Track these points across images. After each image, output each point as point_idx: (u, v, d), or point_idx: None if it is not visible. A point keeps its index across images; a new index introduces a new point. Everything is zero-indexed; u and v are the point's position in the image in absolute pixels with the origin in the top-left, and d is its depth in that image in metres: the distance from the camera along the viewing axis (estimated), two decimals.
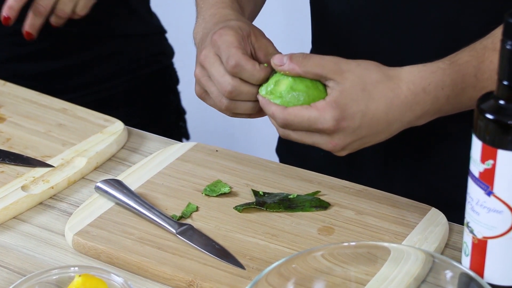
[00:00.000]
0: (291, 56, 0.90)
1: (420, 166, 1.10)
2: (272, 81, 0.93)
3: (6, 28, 1.32)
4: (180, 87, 1.61)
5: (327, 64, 0.89)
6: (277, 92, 0.92)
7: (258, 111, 0.95)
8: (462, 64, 0.89)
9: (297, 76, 0.91)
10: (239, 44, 0.93)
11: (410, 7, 1.01)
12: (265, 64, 0.94)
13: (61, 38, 1.41)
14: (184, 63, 1.67)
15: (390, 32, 1.03)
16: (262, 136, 1.82)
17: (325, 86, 0.91)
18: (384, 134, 0.90)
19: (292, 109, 0.89)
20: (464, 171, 0.95)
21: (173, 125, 1.56)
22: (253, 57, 0.95)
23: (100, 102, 1.39)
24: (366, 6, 1.04)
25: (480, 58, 0.90)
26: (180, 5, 2.18)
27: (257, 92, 0.94)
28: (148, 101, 1.51)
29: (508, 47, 0.77)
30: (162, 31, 1.55)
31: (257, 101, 0.94)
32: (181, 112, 1.60)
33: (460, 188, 0.97)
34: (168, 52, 1.56)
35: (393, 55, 1.03)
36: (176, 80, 1.59)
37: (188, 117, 1.64)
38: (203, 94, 0.97)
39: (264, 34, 0.97)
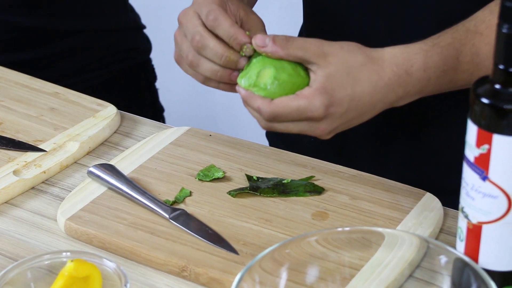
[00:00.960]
0: (274, 38, 0.88)
1: (412, 152, 1.10)
2: (252, 72, 0.90)
3: None
4: (165, 82, 1.59)
5: (310, 47, 0.87)
6: (261, 83, 0.89)
7: (222, 80, 0.92)
8: (444, 46, 0.89)
9: (278, 60, 0.89)
10: (221, 3, 0.91)
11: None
12: (247, 32, 0.92)
13: (27, 31, 1.39)
14: (166, 57, 1.65)
15: (383, 17, 1.03)
16: (252, 120, 1.82)
17: (306, 70, 0.90)
18: (367, 115, 0.89)
19: (280, 101, 0.87)
20: (457, 156, 0.95)
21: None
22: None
23: None
24: None
25: (462, 41, 0.90)
26: (162, 1, 2.17)
27: (222, 57, 0.91)
28: (121, 97, 1.49)
29: (504, 30, 0.76)
30: (138, 26, 1.53)
31: (220, 66, 0.91)
32: (159, 109, 1.58)
33: (454, 173, 0.97)
34: (143, 48, 1.54)
35: (386, 41, 1.02)
36: (153, 77, 1.57)
37: (180, 102, 1.63)
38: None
39: (256, 14, 0.95)
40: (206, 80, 0.94)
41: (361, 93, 0.87)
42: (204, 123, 1.74)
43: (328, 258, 0.87)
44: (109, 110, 1.14)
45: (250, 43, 0.90)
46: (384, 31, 1.03)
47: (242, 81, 0.90)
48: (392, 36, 1.02)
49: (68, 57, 1.43)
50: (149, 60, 1.55)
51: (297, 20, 1.22)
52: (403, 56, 0.88)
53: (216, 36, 0.91)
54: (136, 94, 1.52)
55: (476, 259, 0.82)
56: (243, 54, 0.91)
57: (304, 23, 1.18)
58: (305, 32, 1.18)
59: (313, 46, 0.87)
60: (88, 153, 1.08)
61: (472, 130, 0.79)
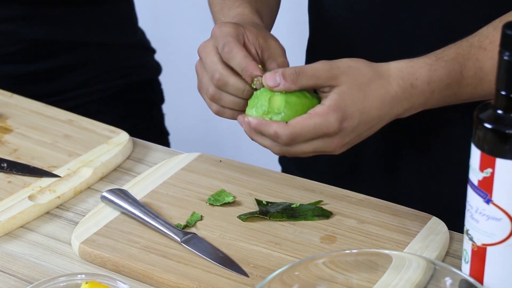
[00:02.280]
0: (284, 74, 0.90)
1: (421, 173, 1.11)
2: (262, 101, 0.91)
3: None
4: (172, 107, 1.60)
5: (320, 74, 0.89)
6: (274, 109, 0.90)
7: (242, 107, 0.94)
8: (448, 60, 0.92)
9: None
10: (236, 35, 0.93)
11: (409, 14, 1.03)
12: (259, 65, 0.93)
13: (35, 43, 1.42)
14: (175, 81, 1.67)
15: (389, 38, 1.05)
16: (257, 147, 1.84)
17: (313, 91, 0.92)
18: (376, 127, 0.92)
19: (295, 121, 0.89)
20: (463, 180, 0.96)
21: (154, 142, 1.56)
22: (259, 57, 0.95)
23: (75, 109, 1.38)
24: (365, 12, 1.06)
25: (466, 56, 0.92)
26: (169, 23, 2.20)
27: (244, 91, 0.92)
28: (126, 112, 1.50)
29: (505, 57, 0.78)
30: (148, 47, 1.55)
31: (242, 99, 0.93)
32: (164, 132, 1.59)
33: (461, 195, 0.99)
34: (152, 66, 1.55)
35: (390, 54, 1.04)
36: (160, 99, 1.58)
37: (191, 128, 1.65)
38: (200, 88, 0.97)
39: (277, 40, 0.97)
40: (221, 112, 0.96)
41: (371, 107, 0.90)
42: (210, 148, 1.76)
43: (336, 280, 0.89)
44: (122, 137, 1.17)
45: (261, 75, 0.92)
46: (389, 44, 1.06)
47: (253, 111, 0.92)
48: (397, 48, 1.05)
49: (75, 70, 1.45)
50: (157, 81, 1.57)
51: (305, 33, 1.24)
52: (408, 71, 0.91)
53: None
54: (143, 112, 1.53)
55: (481, 281, 0.84)
56: (254, 87, 0.93)
57: (311, 37, 1.20)
58: (311, 45, 1.20)
59: (323, 72, 0.89)
60: (101, 179, 1.11)
61: (475, 154, 0.81)
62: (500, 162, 0.79)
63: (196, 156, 1.13)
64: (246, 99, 0.94)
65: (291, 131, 0.88)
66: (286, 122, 0.90)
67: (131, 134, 1.18)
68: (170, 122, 1.63)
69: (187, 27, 1.93)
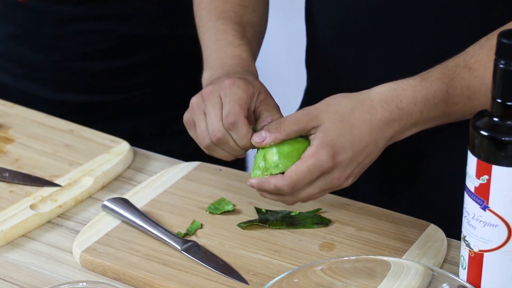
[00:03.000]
0: (268, 128, 0.92)
1: (416, 182, 1.12)
2: (259, 160, 0.93)
3: (75, 26, 1.37)
4: None
5: (301, 118, 0.91)
6: (271, 163, 0.92)
7: (233, 159, 0.97)
8: (434, 81, 0.93)
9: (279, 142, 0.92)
10: (245, 103, 0.94)
11: (399, 22, 1.04)
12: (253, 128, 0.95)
13: (122, 39, 1.43)
14: None
15: (380, 49, 1.06)
16: None
17: (303, 136, 0.93)
18: (374, 153, 0.93)
19: (290, 170, 0.91)
20: (460, 186, 0.97)
21: None
22: (255, 113, 0.97)
23: (160, 100, 1.39)
24: (355, 23, 1.07)
25: (451, 75, 0.93)
26: None
27: (239, 152, 0.95)
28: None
29: (501, 66, 0.79)
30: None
31: (233, 155, 0.96)
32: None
33: (457, 203, 1.00)
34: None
35: (383, 72, 1.06)
36: None
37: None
38: (190, 123, 0.98)
39: (273, 99, 0.99)
40: (211, 149, 0.97)
41: (360, 134, 0.91)
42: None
43: (334, 287, 0.89)
44: (122, 146, 1.17)
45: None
46: (379, 75, 1.07)
47: (256, 172, 0.94)
48: (387, 66, 1.06)
49: (158, 63, 1.45)
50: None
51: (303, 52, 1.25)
52: (391, 94, 0.92)
53: None
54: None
55: (478, 287, 0.85)
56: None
57: (307, 50, 1.22)
58: (308, 58, 1.22)
59: (303, 116, 0.91)
60: (102, 188, 1.12)
61: (472, 161, 0.82)
62: (496, 169, 0.80)
63: (196, 165, 1.14)
64: (237, 156, 0.97)
65: (289, 180, 0.90)
66: (283, 173, 0.91)
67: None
68: None
69: None
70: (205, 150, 0.97)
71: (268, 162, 0.92)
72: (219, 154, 0.96)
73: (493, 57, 0.79)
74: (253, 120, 0.97)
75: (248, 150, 0.96)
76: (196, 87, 1.44)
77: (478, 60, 0.93)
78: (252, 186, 0.93)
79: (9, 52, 1.46)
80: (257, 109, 0.97)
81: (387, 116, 0.91)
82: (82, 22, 1.40)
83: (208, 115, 0.95)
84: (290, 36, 1.88)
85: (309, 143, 0.92)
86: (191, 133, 0.99)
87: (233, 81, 0.95)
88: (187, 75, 1.47)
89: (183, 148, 1.33)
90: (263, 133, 0.92)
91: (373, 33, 1.06)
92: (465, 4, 1.01)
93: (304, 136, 0.93)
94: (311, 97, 1.18)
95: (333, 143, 0.89)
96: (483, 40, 0.95)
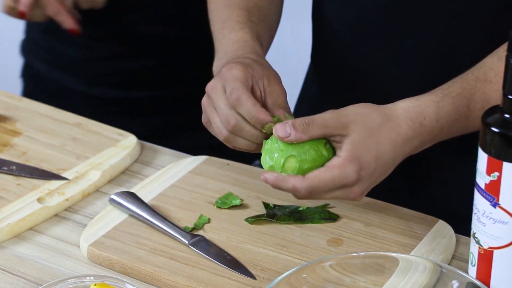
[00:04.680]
0: (294, 125, 0.90)
1: (423, 181, 1.12)
2: (277, 157, 0.91)
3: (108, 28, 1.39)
4: None
5: (329, 123, 0.90)
6: (288, 171, 0.91)
7: (256, 148, 0.96)
8: (455, 96, 0.93)
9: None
10: (245, 80, 0.94)
11: (410, 24, 1.04)
12: (275, 117, 0.94)
13: (148, 40, 1.44)
14: None
15: (390, 50, 1.06)
16: None
17: (328, 143, 0.92)
18: (391, 169, 0.93)
19: (313, 175, 0.89)
20: (467, 185, 0.97)
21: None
22: (262, 100, 0.96)
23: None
24: (366, 23, 1.07)
25: (472, 90, 0.93)
26: None
27: (258, 137, 0.94)
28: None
29: None
30: None
31: (255, 143, 0.95)
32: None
33: (464, 202, 0.99)
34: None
35: (393, 73, 1.06)
36: None
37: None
38: (208, 123, 0.98)
39: (279, 80, 0.98)
40: (237, 148, 0.97)
41: (384, 152, 0.91)
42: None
43: (343, 283, 0.89)
44: (130, 140, 1.17)
45: (272, 121, 0.93)
46: (390, 65, 1.07)
47: (267, 159, 0.92)
48: (399, 70, 1.06)
49: (185, 65, 1.47)
50: None
51: (307, 52, 1.25)
52: (415, 110, 0.92)
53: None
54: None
55: (488, 284, 0.84)
56: (265, 131, 0.94)
57: (312, 53, 1.21)
58: (312, 64, 1.21)
59: (332, 121, 0.90)
60: (109, 181, 1.11)
61: (482, 158, 0.81)
62: (507, 166, 0.80)
63: (204, 159, 1.13)
64: (259, 143, 0.95)
65: (309, 184, 0.89)
66: (304, 176, 0.90)
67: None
68: None
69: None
70: (227, 144, 0.97)
71: (286, 170, 0.92)
72: (240, 144, 0.96)
73: None
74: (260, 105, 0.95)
75: (267, 132, 0.94)
76: None
77: (497, 73, 0.93)
78: (266, 182, 0.92)
79: (43, 42, 1.48)
80: (263, 97, 0.96)
81: (410, 134, 0.91)
82: (113, 25, 1.40)
83: (218, 108, 0.95)
84: (290, 34, 1.88)
85: (330, 158, 0.91)
86: (211, 132, 0.99)
87: (230, 66, 0.95)
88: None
89: (211, 142, 1.35)
90: (288, 129, 0.90)
91: (383, 35, 1.06)
92: (474, 9, 1.01)
93: (328, 144, 0.92)
94: (322, 96, 1.18)
95: (360, 157, 0.89)
96: (500, 51, 0.95)
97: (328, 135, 0.91)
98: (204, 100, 0.97)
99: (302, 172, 0.91)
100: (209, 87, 0.96)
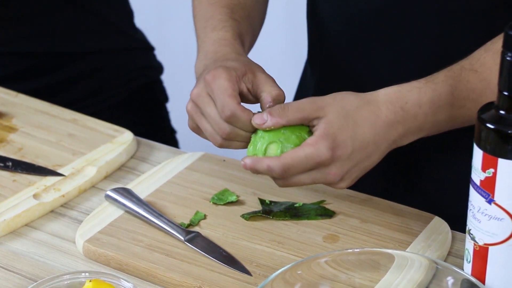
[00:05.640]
0: (270, 111, 0.91)
1: (419, 178, 1.12)
2: (259, 145, 0.92)
3: None
4: (176, 104, 1.61)
5: (305, 106, 0.90)
6: (272, 155, 0.91)
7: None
8: (438, 83, 0.92)
9: (282, 130, 0.91)
10: (233, 91, 0.93)
11: (406, 24, 1.04)
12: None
13: (41, 59, 1.43)
14: (175, 81, 1.68)
15: (387, 49, 1.06)
16: None
17: (310, 131, 0.92)
18: (375, 156, 0.92)
19: (287, 154, 0.89)
20: (463, 182, 0.97)
21: (164, 143, 1.56)
22: (251, 93, 0.96)
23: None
24: (361, 24, 1.07)
25: (456, 78, 0.92)
26: (169, 22, 2.21)
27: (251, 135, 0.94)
28: (137, 116, 1.51)
29: (508, 58, 0.79)
30: (148, 46, 1.55)
31: (248, 141, 0.95)
32: (171, 130, 1.59)
33: (460, 199, 0.99)
34: (155, 66, 1.56)
35: (389, 74, 1.06)
36: (164, 98, 1.58)
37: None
38: (196, 129, 0.98)
39: (263, 70, 0.97)
40: (226, 145, 0.97)
41: (363, 133, 0.90)
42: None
43: (338, 279, 0.89)
44: (126, 136, 1.17)
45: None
46: (386, 67, 1.07)
47: (251, 148, 0.93)
48: (395, 72, 1.06)
49: (83, 80, 1.46)
50: (161, 81, 1.58)
51: (303, 52, 1.25)
52: (396, 95, 0.91)
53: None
54: (148, 114, 1.54)
55: (483, 280, 0.84)
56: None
57: (309, 47, 1.21)
58: (311, 55, 1.21)
59: (308, 105, 0.90)
60: (105, 178, 1.11)
61: (477, 154, 0.81)
62: (502, 162, 0.80)
63: (200, 156, 1.13)
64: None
65: (283, 162, 0.89)
66: (279, 156, 0.90)
67: (143, 135, 1.18)
68: (174, 120, 1.64)
69: (183, 23, 1.94)
70: (220, 147, 0.97)
71: (269, 154, 0.92)
72: (236, 146, 0.96)
73: (498, 60, 0.79)
74: (253, 100, 0.96)
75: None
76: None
77: (484, 63, 0.92)
78: (245, 167, 0.91)
79: None
80: (252, 90, 0.95)
81: (391, 118, 0.90)
82: None
83: (208, 116, 0.95)
84: (285, 32, 1.88)
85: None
86: (202, 136, 0.99)
87: (213, 74, 0.93)
88: (113, 90, 1.48)
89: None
90: (264, 116, 0.91)
91: (379, 36, 1.06)
92: (469, 9, 1.01)
93: (307, 127, 0.92)
94: (319, 94, 1.18)
95: (335, 136, 0.89)
96: (488, 44, 0.94)
97: (305, 119, 0.90)
98: (190, 107, 0.96)
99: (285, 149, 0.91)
100: (194, 94, 0.95)
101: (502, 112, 0.80)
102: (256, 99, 0.96)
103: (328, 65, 1.14)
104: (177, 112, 1.67)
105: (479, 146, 0.81)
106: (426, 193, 1.12)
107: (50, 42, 1.43)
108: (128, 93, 1.50)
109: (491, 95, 0.86)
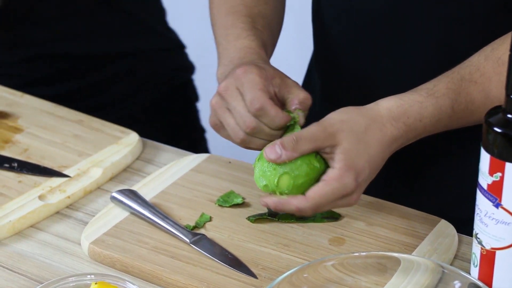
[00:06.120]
0: (283, 144, 0.90)
1: (424, 183, 1.12)
2: (272, 178, 0.92)
3: (22, 53, 1.35)
4: (205, 102, 1.61)
5: (317, 136, 0.90)
6: (283, 189, 0.92)
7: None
8: (440, 96, 0.93)
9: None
10: (264, 86, 0.93)
11: (408, 29, 1.04)
12: (287, 111, 0.95)
13: (75, 60, 1.42)
14: (205, 79, 1.67)
15: (390, 52, 1.06)
16: None
17: (319, 154, 0.93)
18: (380, 167, 0.94)
19: (313, 192, 0.90)
20: (468, 186, 0.97)
21: (193, 143, 1.56)
22: (277, 97, 0.96)
23: (119, 120, 1.41)
24: (365, 28, 1.07)
25: (456, 90, 0.94)
26: (199, 21, 2.20)
27: (277, 134, 0.94)
28: (169, 117, 1.51)
29: None
30: (180, 45, 1.54)
31: (270, 140, 0.95)
32: (200, 130, 1.58)
33: (465, 203, 0.99)
34: (187, 66, 1.55)
35: (391, 76, 1.06)
36: (195, 97, 1.57)
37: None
38: (218, 125, 0.98)
39: (288, 77, 0.98)
40: (247, 142, 0.96)
41: (375, 153, 0.92)
42: (222, 150, 1.74)
43: (344, 282, 0.89)
44: (132, 137, 1.17)
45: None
46: (390, 68, 1.07)
47: (261, 179, 0.93)
48: (399, 73, 1.06)
49: (118, 82, 1.45)
50: (192, 80, 1.57)
51: (307, 54, 1.25)
52: (398, 110, 0.92)
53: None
54: (180, 113, 1.53)
55: (490, 285, 0.84)
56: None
57: (314, 50, 1.21)
58: (315, 58, 1.21)
59: (319, 134, 0.90)
60: (111, 179, 1.11)
61: (485, 158, 0.81)
62: (509, 166, 0.79)
63: (206, 157, 1.13)
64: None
65: (312, 203, 0.90)
66: (304, 194, 0.91)
67: (173, 135, 1.18)
68: (205, 120, 1.63)
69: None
70: (240, 145, 0.97)
71: (280, 188, 0.92)
72: (256, 144, 0.96)
73: (498, 70, 0.80)
74: (278, 104, 0.95)
75: (282, 130, 0.95)
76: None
77: (483, 74, 0.93)
78: (267, 206, 0.92)
79: None
80: (278, 94, 0.96)
81: (395, 134, 0.92)
82: (27, 48, 1.38)
83: (233, 110, 0.94)
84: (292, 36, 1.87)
85: (324, 166, 0.92)
86: (221, 134, 0.98)
87: (245, 69, 0.94)
88: (147, 93, 1.47)
89: None
90: (277, 149, 0.90)
91: (382, 40, 1.06)
92: (470, 13, 1.01)
93: (320, 156, 0.93)
94: (324, 99, 1.18)
95: (355, 165, 0.90)
96: (488, 50, 0.95)
97: (318, 148, 0.91)
98: (215, 101, 0.96)
99: (297, 187, 0.92)
100: (222, 87, 0.95)
101: (509, 115, 0.80)
102: (281, 104, 0.96)
103: (332, 67, 1.14)
104: (207, 112, 1.66)
105: (487, 150, 0.81)
106: (432, 196, 1.12)
107: (84, 44, 1.41)
108: (161, 94, 1.48)
109: (490, 105, 0.87)
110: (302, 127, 0.95)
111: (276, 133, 0.95)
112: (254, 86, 0.93)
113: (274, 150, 0.91)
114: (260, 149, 0.96)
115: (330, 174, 0.90)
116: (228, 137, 0.97)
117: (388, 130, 0.91)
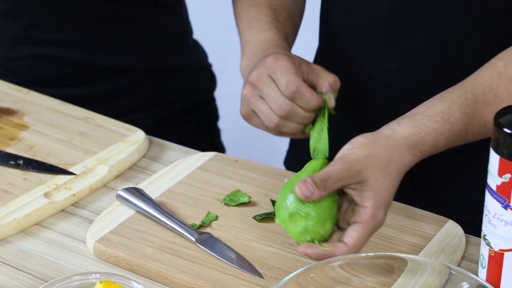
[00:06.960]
0: (316, 183, 0.89)
1: (431, 184, 1.12)
2: (301, 222, 0.90)
3: (28, 50, 1.34)
4: (230, 119, 1.56)
5: (344, 175, 0.90)
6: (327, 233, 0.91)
7: (301, 133, 0.97)
8: (454, 122, 0.94)
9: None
10: (296, 70, 0.95)
11: (414, 29, 1.04)
12: (319, 93, 0.96)
13: (84, 67, 1.40)
14: (231, 98, 1.63)
15: (395, 55, 1.06)
16: (275, 146, 1.82)
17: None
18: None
19: (354, 238, 0.89)
20: (476, 187, 0.96)
21: None
22: (307, 81, 0.97)
23: None
24: (370, 29, 1.07)
25: (471, 114, 0.94)
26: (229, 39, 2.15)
27: (310, 116, 0.95)
28: (177, 136, 1.47)
29: None
30: (199, 66, 1.49)
31: (304, 124, 0.96)
32: (219, 149, 1.52)
33: (472, 204, 0.99)
34: (203, 88, 1.50)
35: (397, 78, 1.05)
36: (214, 117, 1.53)
37: (242, 138, 1.61)
38: (250, 114, 0.98)
39: (314, 64, 0.99)
40: (283, 134, 0.97)
41: (396, 183, 0.92)
42: (269, 158, 1.68)
43: (351, 283, 0.88)
44: (138, 135, 1.16)
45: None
46: (396, 68, 1.07)
47: (300, 226, 0.90)
48: (404, 72, 1.05)
49: (123, 95, 1.42)
50: (211, 100, 1.52)
51: (314, 43, 1.24)
52: (415, 138, 0.92)
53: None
54: (194, 134, 1.49)
55: (498, 287, 0.83)
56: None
57: (319, 49, 1.21)
58: (319, 56, 1.21)
59: (345, 173, 0.90)
60: (116, 177, 1.11)
61: (494, 159, 0.80)
62: None
63: (212, 156, 1.13)
64: (307, 123, 0.97)
65: (354, 249, 0.90)
66: (344, 242, 0.89)
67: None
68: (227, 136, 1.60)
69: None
70: (274, 132, 0.97)
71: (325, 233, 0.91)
72: (290, 128, 0.96)
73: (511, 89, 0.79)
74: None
75: (315, 113, 0.96)
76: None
77: (496, 95, 0.94)
78: (306, 256, 0.90)
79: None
80: (306, 80, 0.97)
81: (412, 161, 0.93)
82: (34, 46, 1.37)
83: (267, 96, 0.95)
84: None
85: (337, 198, 0.92)
86: (253, 123, 0.99)
87: (275, 57, 0.96)
88: (154, 109, 1.45)
89: None
90: (310, 187, 0.89)
91: (387, 40, 1.06)
92: (477, 15, 1.01)
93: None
94: None
95: (384, 200, 0.90)
96: (500, 66, 0.94)
97: (344, 186, 0.91)
98: (248, 91, 0.97)
99: (322, 222, 0.90)
100: (254, 77, 0.96)
101: None
102: (310, 85, 0.97)
103: (337, 65, 1.14)
104: (232, 126, 1.63)
105: (496, 151, 0.80)
106: (439, 197, 1.11)
107: (91, 53, 1.39)
108: (170, 113, 1.45)
109: None
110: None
111: (309, 115, 0.96)
112: (288, 71, 0.94)
113: (307, 188, 0.89)
114: (293, 134, 0.97)
115: (364, 215, 0.89)
116: (260, 125, 0.98)
117: (406, 159, 0.92)
